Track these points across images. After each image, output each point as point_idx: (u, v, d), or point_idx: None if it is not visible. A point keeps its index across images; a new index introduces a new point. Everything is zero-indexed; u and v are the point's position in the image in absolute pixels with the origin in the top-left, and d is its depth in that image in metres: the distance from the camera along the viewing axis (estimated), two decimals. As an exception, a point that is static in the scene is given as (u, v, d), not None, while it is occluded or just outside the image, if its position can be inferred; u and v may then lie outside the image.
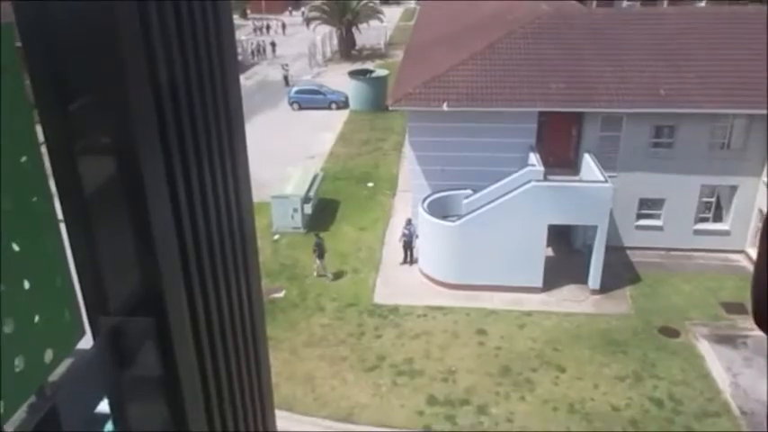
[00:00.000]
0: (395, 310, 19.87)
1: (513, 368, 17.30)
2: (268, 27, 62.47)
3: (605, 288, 20.25)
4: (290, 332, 18.96)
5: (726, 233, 22.01)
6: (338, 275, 21.52)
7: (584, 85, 21.11)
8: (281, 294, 20.81)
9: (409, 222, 21.94)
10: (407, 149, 23.20)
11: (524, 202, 19.27)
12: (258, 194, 27.07)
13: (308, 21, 51.98)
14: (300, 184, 25.10)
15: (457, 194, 21.61)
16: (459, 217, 20.33)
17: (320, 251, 21.00)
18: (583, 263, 20.46)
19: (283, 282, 21.50)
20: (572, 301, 20.04)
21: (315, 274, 21.12)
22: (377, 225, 25.06)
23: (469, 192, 21.29)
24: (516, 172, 20.40)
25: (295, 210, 24.12)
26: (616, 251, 21.36)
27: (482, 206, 19.75)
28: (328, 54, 51.58)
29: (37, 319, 1.43)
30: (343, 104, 40.55)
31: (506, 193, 19.53)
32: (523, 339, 18.44)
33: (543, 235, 19.48)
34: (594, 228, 19.77)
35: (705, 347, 17.78)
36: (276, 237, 24.26)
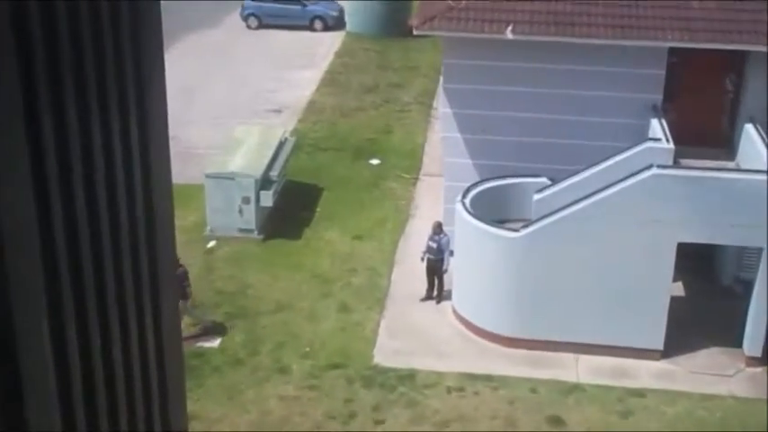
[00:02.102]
0: (409, 377, 19.89)
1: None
2: None
3: (772, 355, 20.23)
4: (226, 408, 18.99)
5: None
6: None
7: (749, 7, 21.00)
8: (216, 343, 20.87)
9: (439, 229, 21.96)
10: (441, 104, 23.24)
11: (639, 202, 19.24)
12: (185, 172, 27.43)
13: None
14: (255, 157, 25.19)
15: (523, 185, 21.63)
16: (526, 223, 20.36)
17: (182, 289, 19.48)
18: (734, 311, 20.43)
19: (221, 321, 21.56)
20: (714, 374, 19.98)
21: (188, 322, 20.10)
22: (384, 231, 25.09)
23: (544, 181, 21.29)
24: (627, 149, 20.37)
25: (245, 200, 24.20)
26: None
27: (566, 207, 19.74)
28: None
29: None
30: (334, 22, 40.59)
31: (608, 186, 19.50)
32: (627, 437, 18.42)
33: (669, 261, 19.45)
34: (758, 252, 19.71)
35: None
36: (211, 244, 24.35)
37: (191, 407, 16.80)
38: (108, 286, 6.49)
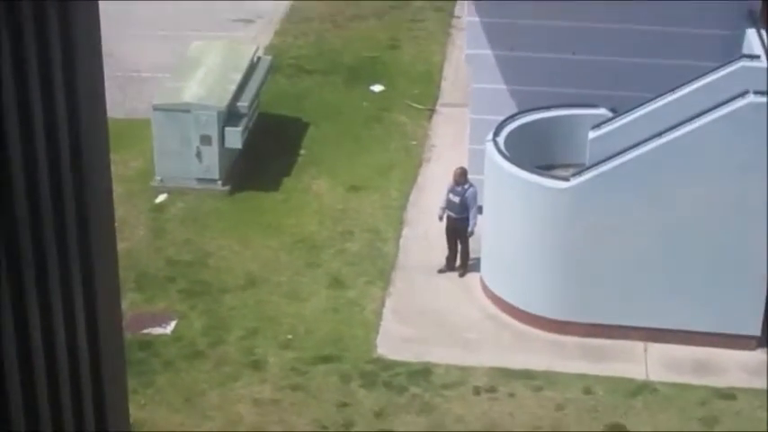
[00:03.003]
0: (423, 374, 19.98)
1: None
2: None
3: None
4: (182, 415, 19.09)
5: None
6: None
7: None
8: (169, 329, 20.95)
9: (463, 178, 21.95)
10: (466, 10, 23.10)
11: (729, 141, 19.21)
12: (125, 103, 27.32)
13: None
14: (218, 83, 25.13)
15: (574, 118, 21.59)
16: (579, 169, 20.35)
17: None
18: None
19: (174, 300, 21.64)
20: (827, 369, 20.01)
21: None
22: (389, 181, 25.08)
23: (603, 113, 21.24)
24: (714, 70, 20.29)
25: (205, 139, 24.18)
26: None
27: (632, 148, 19.74)
28: None
29: None
30: None
31: (688, 120, 19.48)
32: (712, 452, 18.53)
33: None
34: None
35: None
36: (161, 198, 24.37)
37: (136, 414, 16.95)
38: (25, 257, 6.56)
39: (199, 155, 24.18)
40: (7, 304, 6.50)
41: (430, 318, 21.26)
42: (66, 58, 6.89)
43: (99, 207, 7.61)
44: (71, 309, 7.35)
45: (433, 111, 27.76)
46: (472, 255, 22.09)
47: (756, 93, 19.16)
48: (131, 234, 22.90)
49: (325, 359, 20.22)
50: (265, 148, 25.71)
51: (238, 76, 25.32)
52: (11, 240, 6.46)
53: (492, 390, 19.63)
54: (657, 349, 20.42)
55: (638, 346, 20.49)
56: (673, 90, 20.38)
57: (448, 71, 29.32)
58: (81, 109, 7.15)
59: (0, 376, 6.49)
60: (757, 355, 20.27)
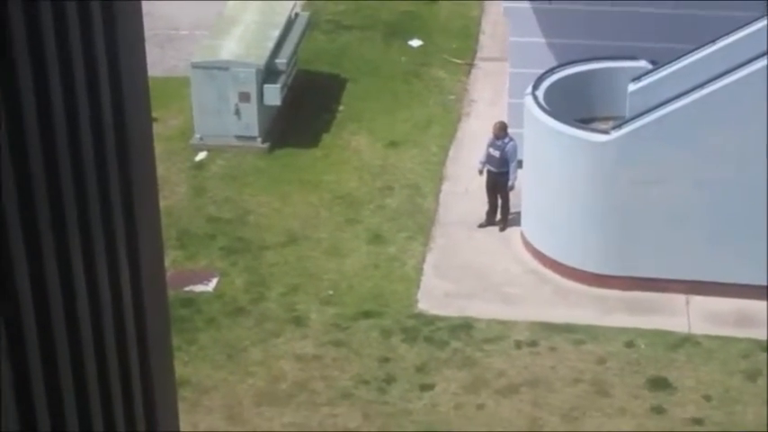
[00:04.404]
0: (465, 328, 20.06)
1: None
2: None
3: None
4: (224, 371, 19.25)
5: None
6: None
7: None
8: (211, 286, 21.09)
9: (502, 132, 21.92)
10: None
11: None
12: (163, 61, 27.32)
13: None
14: (257, 40, 25.14)
15: (614, 71, 21.50)
16: (619, 122, 20.26)
17: None
18: None
19: (215, 258, 21.78)
20: None
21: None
22: (428, 136, 25.06)
23: (643, 65, 21.14)
24: (758, 20, 20.11)
25: (244, 97, 24.22)
26: None
27: (673, 100, 19.64)
28: None
29: None
30: None
31: (732, 71, 19.34)
32: (756, 406, 18.52)
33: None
34: None
35: None
36: (201, 156, 24.46)
37: (180, 370, 17.07)
38: (69, 216, 6.62)
39: (238, 112, 24.23)
40: (53, 262, 6.57)
41: (470, 272, 21.30)
42: (106, 16, 6.93)
43: (141, 165, 7.66)
44: (116, 267, 7.42)
45: (471, 65, 27.66)
46: (512, 209, 22.10)
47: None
48: (172, 192, 23.00)
49: (367, 314, 20.32)
50: (304, 105, 25.72)
51: (276, 33, 25.30)
52: (55, 200, 6.52)
53: (533, 344, 19.70)
54: (699, 302, 20.41)
55: (680, 298, 20.49)
56: (713, 41, 20.26)
57: (486, 25, 29.16)
58: (122, 67, 7.19)
59: (47, 330, 6.58)
60: (800, 307, 20.21)
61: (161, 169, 21.37)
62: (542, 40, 22.49)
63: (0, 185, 5.85)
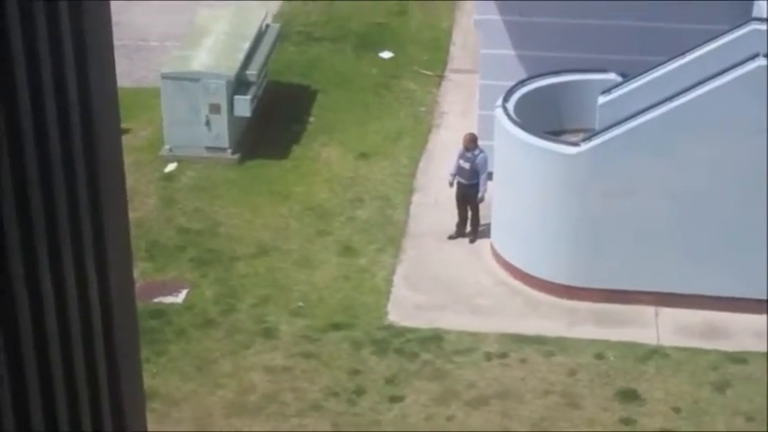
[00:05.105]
0: (435, 340, 20.03)
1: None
2: None
3: None
4: (194, 383, 19.18)
5: None
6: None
7: None
8: (181, 297, 21.01)
9: (473, 144, 21.94)
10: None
11: (740, 105, 19.14)
12: (133, 72, 27.22)
13: None
14: (227, 51, 25.11)
15: (584, 83, 21.53)
16: (589, 134, 20.29)
17: None
18: None
19: (185, 269, 21.70)
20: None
21: None
22: (398, 148, 25.06)
23: (613, 77, 21.19)
24: (724, 34, 20.21)
25: (214, 108, 24.18)
26: None
27: (642, 112, 19.69)
28: None
29: None
30: None
31: (699, 84, 19.42)
32: (725, 417, 18.57)
33: (779, 181, 19.47)
34: None
35: None
36: (171, 167, 24.40)
37: (149, 382, 17.01)
38: (37, 227, 6.57)
39: (208, 123, 24.19)
40: (20, 274, 6.52)
41: (441, 284, 21.30)
42: (75, 28, 6.90)
43: (110, 176, 7.62)
44: (84, 278, 7.38)
45: (442, 77, 27.70)
46: (482, 221, 22.11)
47: (767, 56, 19.11)
48: (142, 203, 22.93)
49: (337, 326, 20.28)
50: (275, 116, 25.69)
51: (247, 44, 25.28)
52: (23, 210, 6.48)
53: (503, 356, 19.69)
54: (668, 314, 20.45)
55: (650, 310, 20.52)
56: (683, 54, 20.34)
57: (457, 37, 29.23)
58: (91, 78, 7.15)
59: (15, 342, 6.53)
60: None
61: (130, 180, 21.28)
62: (513, 53, 22.53)
63: None
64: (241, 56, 24.82)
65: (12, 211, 6.34)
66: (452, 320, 20.40)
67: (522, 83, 21.62)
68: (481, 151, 21.68)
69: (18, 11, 6.23)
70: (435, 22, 30.14)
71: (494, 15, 22.39)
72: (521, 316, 20.53)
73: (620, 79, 20.94)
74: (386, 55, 28.49)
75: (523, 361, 19.60)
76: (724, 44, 20.01)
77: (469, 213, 22.16)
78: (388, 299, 20.94)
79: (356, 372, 19.38)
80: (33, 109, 6.53)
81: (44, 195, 6.73)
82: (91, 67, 7.16)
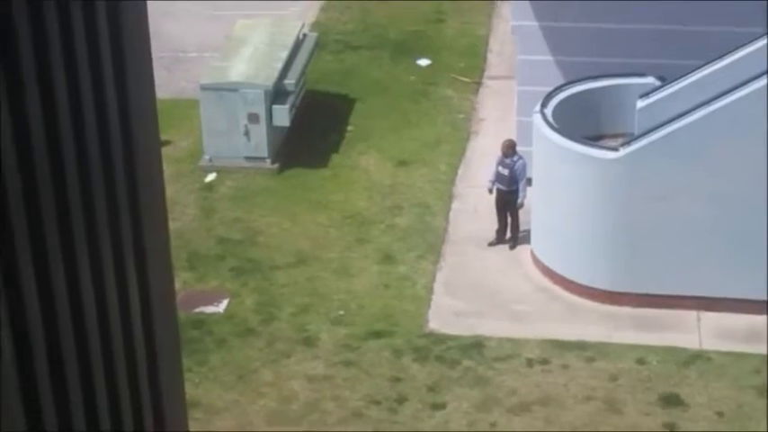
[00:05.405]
0: (476, 347, 20.02)
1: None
2: None
3: None
4: (235, 392, 19.24)
5: None
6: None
7: None
8: (221, 307, 21.08)
9: (511, 150, 21.93)
10: (511, -18, 23.02)
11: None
12: (171, 83, 27.35)
13: None
14: (265, 61, 25.19)
15: (622, 88, 21.49)
16: (628, 139, 20.25)
17: None
18: None
19: (225, 279, 21.77)
20: None
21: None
22: (437, 155, 25.07)
23: (651, 81, 21.13)
24: (763, 35, 20.11)
25: (253, 118, 24.26)
26: None
27: (682, 116, 19.63)
28: None
29: None
30: None
31: (740, 86, 19.32)
32: (768, 421, 18.46)
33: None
34: None
35: None
36: (210, 177, 24.49)
37: (191, 392, 17.05)
38: (78, 239, 6.60)
39: (247, 133, 24.27)
40: (62, 285, 6.56)
41: (481, 291, 21.28)
42: (114, 40, 6.93)
43: (150, 187, 7.66)
44: (125, 289, 7.41)
45: (479, 84, 27.68)
46: (522, 227, 22.08)
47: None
48: (181, 214, 23.02)
49: (377, 334, 20.29)
50: (313, 126, 25.74)
51: (284, 54, 25.36)
52: (64, 223, 6.51)
53: (545, 362, 19.66)
54: (711, 318, 20.36)
55: (691, 315, 20.44)
56: (721, 57, 20.27)
57: (493, 43, 29.21)
58: (130, 90, 7.19)
59: (57, 355, 6.56)
60: (812, 322, 20.17)
61: (170, 191, 21.41)
62: (550, 58, 22.51)
63: (9, 211, 5.85)
64: (279, 65, 24.90)
65: (53, 222, 6.38)
66: (493, 327, 20.38)
67: (559, 88, 21.60)
68: (520, 157, 21.66)
69: (57, 23, 6.27)
70: (472, 29, 30.13)
71: (530, 21, 22.39)
72: (561, 322, 20.49)
73: (658, 83, 20.90)
74: (423, 62, 28.50)
75: (565, 367, 19.56)
76: (762, 47, 19.95)
77: (509, 220, 22.13)
78: (428, 306, 20.94)
79: (397, 379, 19.39)
80: (72, 119, 6.57)
81: (84, 207, 6.77)
82: (130, 77, 7.19)
